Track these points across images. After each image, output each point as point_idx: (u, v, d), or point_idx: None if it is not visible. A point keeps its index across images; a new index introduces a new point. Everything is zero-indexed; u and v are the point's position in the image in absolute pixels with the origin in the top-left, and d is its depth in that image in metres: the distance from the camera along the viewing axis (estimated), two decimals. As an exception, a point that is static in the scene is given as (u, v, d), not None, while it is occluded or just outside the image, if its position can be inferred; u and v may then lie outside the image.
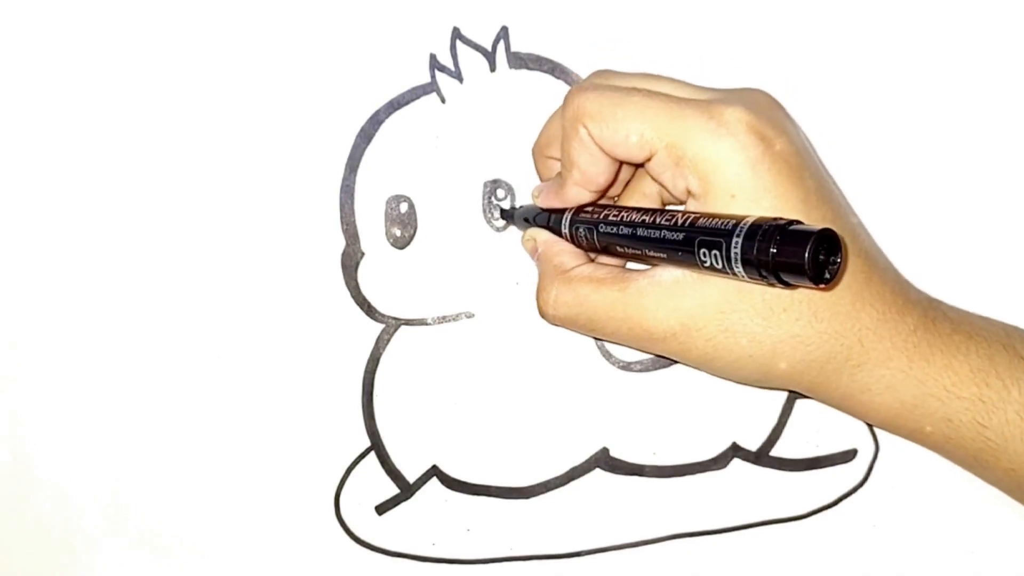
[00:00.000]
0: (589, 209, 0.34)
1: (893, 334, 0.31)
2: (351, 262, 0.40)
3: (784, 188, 0.29)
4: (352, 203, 0.39)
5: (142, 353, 0.40)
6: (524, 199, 0.39)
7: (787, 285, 0.27)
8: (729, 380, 0.33)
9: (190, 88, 0.39)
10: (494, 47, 0.39)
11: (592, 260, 0.35)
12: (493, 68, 0.39)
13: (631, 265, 0.36)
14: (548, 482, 0.40)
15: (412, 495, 0.41)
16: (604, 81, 0.33)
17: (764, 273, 0.27)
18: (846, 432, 0.39)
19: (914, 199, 0.39)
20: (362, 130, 0.39)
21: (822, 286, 0.26)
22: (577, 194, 0.34)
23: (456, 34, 0.39)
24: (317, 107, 0.39)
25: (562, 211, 0.35)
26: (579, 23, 0.39)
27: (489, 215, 0.40)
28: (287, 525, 0.41)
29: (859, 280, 0.31)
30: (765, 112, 0.30)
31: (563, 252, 0.35)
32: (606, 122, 0.31)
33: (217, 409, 0.40)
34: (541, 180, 0.38)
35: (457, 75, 0.39)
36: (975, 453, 0.32)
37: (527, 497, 0.40)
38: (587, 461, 0.40)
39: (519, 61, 0.39)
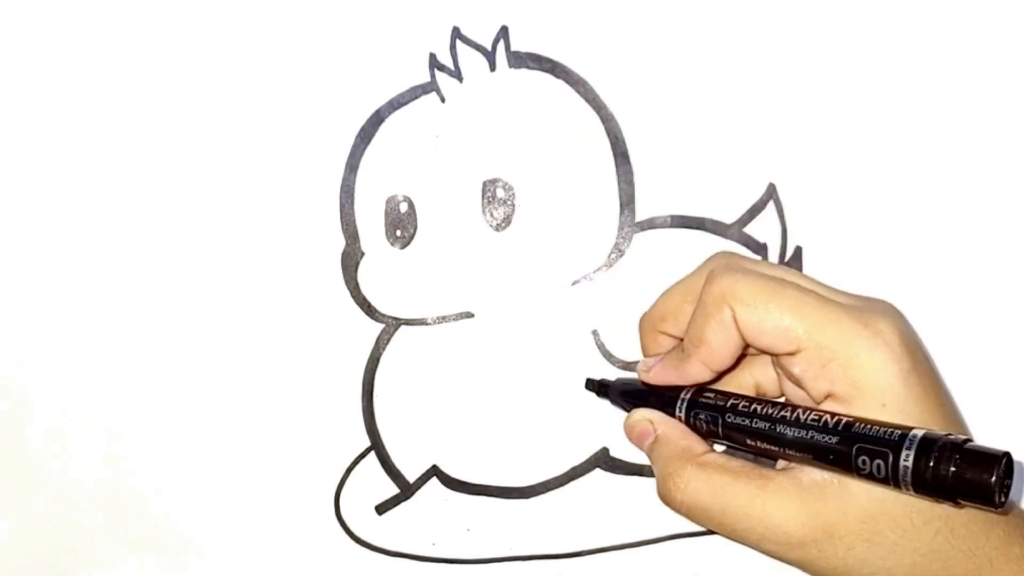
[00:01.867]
0: (711, 395, 0.33)
1: (1012, 558, 0.30)
2: (351, 262, 0.40)
3: (931, 402, 0.30)
4: (352, 203, 0.39)
5: (142, 353, 0.40)
6: (524, 199, 0.39)
7: (958, 505, 0.26)
8: None
9: (190, 88, 0.39)
10: (494, 46, 0.39)
11: (712, 448, 0.34)
12: (493, 67, 0.39)
13: None
14: (548, 482, 0.40)
15: (412, 495, 0.41)
16: (750, 267, 0.32)
17: (936, 492, 0.26)
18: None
19: (914, 199, 0.39)
20: (362, 130, 0.39)
21: (999, 511, 0.26)
22: (699, 372, 0.33)
23: (456, 33, 0.39)
24: (317, 107, 0.39)
25: (675, 393, 0.34)
26: (579, 23, 0.39)
27: (489, 217, 0.40)
28: (287, 525, 0.41)
29: None
30: (907, 327, 0.31)
31: (689, 436, 0.34)
32: (758, 309, 0.30)
33: (217, 409, 0.40)
34: (645, 355, 0.37)
35: (457, 74, 0.39)
36: None
37: (527, 497, 0.40)
38: (587, 461, 0.40)
39: (519, 60, 0.39)
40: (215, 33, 0.39)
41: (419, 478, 0.40)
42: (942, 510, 0.29)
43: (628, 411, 0.36)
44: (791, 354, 0.31)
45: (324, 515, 0.40)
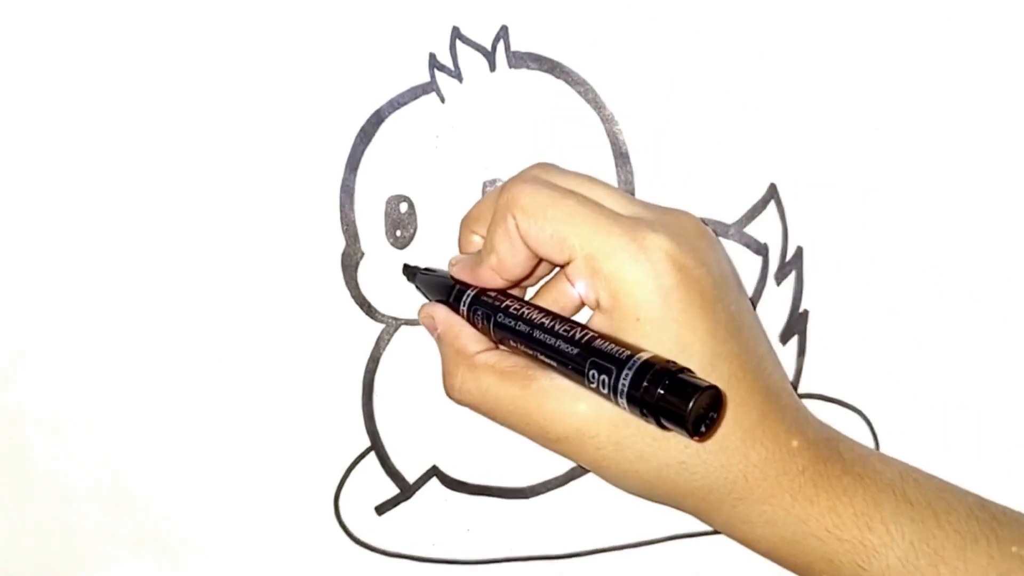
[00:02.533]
0: (492, 294, 0.34)
1: (779, 473, 0.31)
2: (351, 262, 0.40)
3: (692, 319, 0.30)
4: (352, 203, 0.39)
5: (142, 353, 0.40)
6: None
7: (663, 428, 0.28)
8: (617, 488, 0.33)
9: (190, 88, 0.39)
10: (494, 46, 0.39)
11: (496, 345, 0.35)
12: (493, 67, 0.39)
13: None
14: (548, 482, 0.40)
15: (412, 495, 0.41)
16: (545, 176, 0.34)
17: (645, 412, 0.27)
18: (846, 432, 0.39)
19: (914, 199, 0.39)
20: (362, 130, 0.39)
21: (696, 438, 0.27)
22: (490, 278, 0.34)
23: (456, 33, 0.39)
24: (317, 107, 0.39)
25: (466, 288, 0.35)
26: (579, 23, 0.39)
27: None
28: (287, 525, 0.41)
29: (753, 417, 0.31)
30: (689, 240, 0.31)
31: (464, 334, 0.35)
32: (535, 218, 0.31)
33: (217, 409, 0.40)
34: (460, 251, 0.38)
35: (457, 74, 0.39)
36: None
37: (527, 497, 0.40)
38: (587, 461, 0.40)
39: (519, 60, 0.39)
40: (215, 33, 0.39)
41: (419, 478, 0.40)
42: None
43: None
44: (566, 264, 0.32)
45: (324, 515, 0.40)
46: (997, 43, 0.39)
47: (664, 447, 0.31)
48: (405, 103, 0.39)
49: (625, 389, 0.28)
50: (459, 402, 0.34)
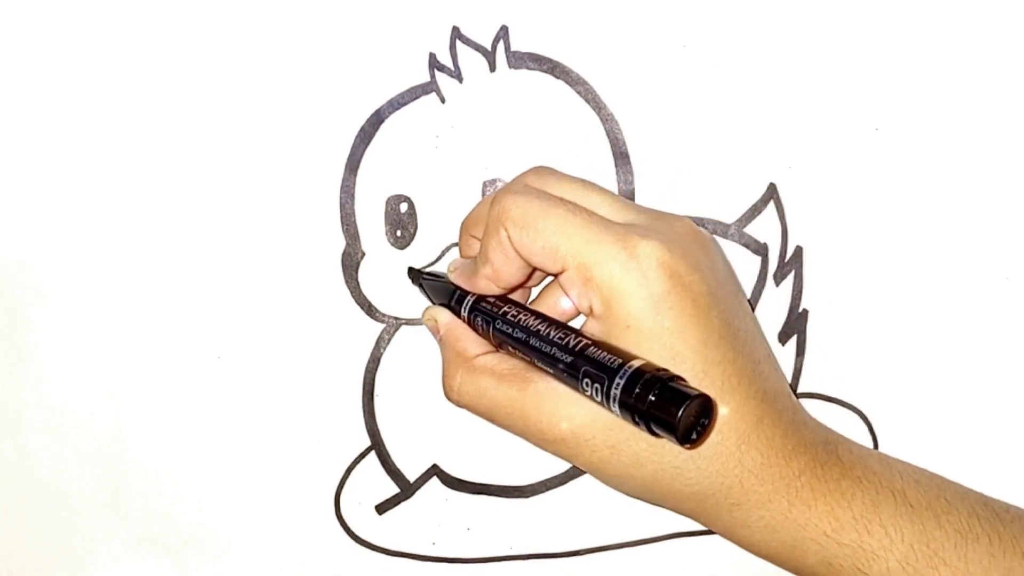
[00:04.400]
0: (491, 300, 0.35)
1: (776, 478, 0.31)
2: (351, 262, 0.40)
3: (684, 327, 0.30)
4: (352, 203, 0.39)
5: (143, 352, 0.40)
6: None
7: (655, 435, 0.28)
8: (614, 491, 0.34)
9: (190, 88, 0.39)
10: (494, 47, 0.39)
11: (496, 348, 0.35)
12: (493, 68, 0.39)
13: None
14: (548, 481, 0.40)
15: (412, 494, 0.41)
16: (537, 184, 0.34)
17: (637, 420, 0.28)
18: (846, 432, 0.39)
19: (915, 199, 0.39)
20: (362, 130, 0.39)
21: (687, 446, 0.28)
22: (486, 286, 0.34)
23: (456, 33, 0.39)
24: (317, 107, 0.39)
25: (467, 293, 0.36)
26: (579, 23, 0.39)
27: None
28: (287, 524, 0.41)
29: (748, 422, 0.31)
30: (682, 246, 0.31)
31: (465, 337, 0.35)
32: (526, 230, 0.32)
33: (218, 409, 0.40)
34: (461, 255, 0.38)
35: (457, 75, 0.39)
36: None
37: (527, 496, 0.40)
38: (587, 460, 0.40)
39: (519, 60, 0.39)
40: (215, 33, 0.39)
41: (419, 477, 0.41)
42: None
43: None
44: (559, 273, 0.32)
45: (324, 515, 0.41)
46: (997, 43, 0.39)
47: (659, 452, 0.31)
48: (405, 103, 0.39)
49: (617, 396, 0.28)
50: (457, 403, 0.35)
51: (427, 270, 0.39)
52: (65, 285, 0.40)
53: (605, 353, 0.29)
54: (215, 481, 0.41)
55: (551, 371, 0.32)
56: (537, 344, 0.32)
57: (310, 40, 0.39)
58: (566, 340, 0.31)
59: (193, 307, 0.40)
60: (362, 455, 0.40)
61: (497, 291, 0.35)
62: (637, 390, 0.28)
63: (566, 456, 0.33)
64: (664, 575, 0.40)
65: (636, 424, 0.28)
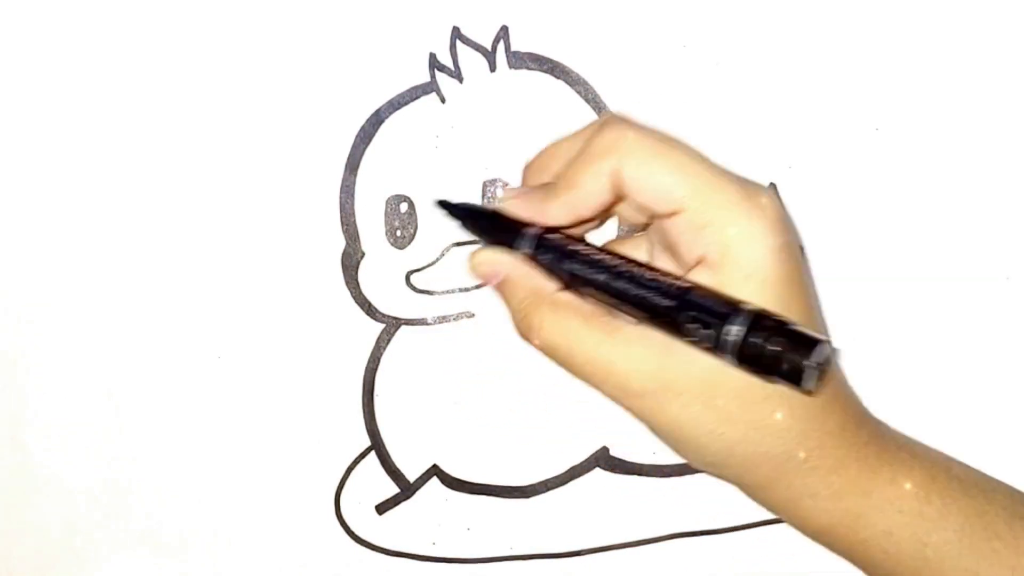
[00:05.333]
0: (558, 236, 0.31)
1: (849, 443, 0.31)
2: (351, 262, 0.40)
3: (795, 283, 0.29)
4: (352, 203, 0.39)
5: (143, 353, 0.40)
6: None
7: (771, 380, 0.27)
8: (683, 456, 0.32)
9: (190, 88, 0.39)
10: (494, 47, 0.39)
11: (564, 287, 0.32)
12: (493, 68, 0.39)
13: None
14: (548, 481, 0.40)
15: (412, 494, 0.41)
16: (643, 125, 0.31)
17: (755, 366, 0.26)
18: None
19: (915, 199, 0.39)
20: (362, 130, 0.39)
21: (807, 391, 0.26)
22: (560, 213, 0.31)
23: (456, 34, 0.39)
24: (317, 107, 0.39)
25: (522, 229, 0.32)
26: (579, 23, 0.39)
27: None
28: (287, 524, 0.41)
29: (831, 387, 0.31)
30: (786, 211, 0.31)
31: (538, 275, 0.32)
32: (644, 164, 0.29)
33: (218, 409, 0.40)
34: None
35: (457, 75, 0.39)
36: (912, 571, 0.32)
37: (527, 496, 0.40)
38: (587, 460, 0.40)
39: (519, 61, 0.39)
40: (215, 34, 0.39)
41: (419, 477, 0.41)
42: (783, 389, 0.29)
43: (478, 240, 0.34)
44: (669, 215, 0.30)
45: (324, 515, 0.41)
46: (997, 43, 0.39)
47: (753, 410, 0.29)
48: (405, 103, 0.39)
49: (737, 341, 0.26)
50: (540, 346, 0.31)
51: (459, 203, 0.35)
52: (65, 285, 0.40)
53: (714, 299, 0.27)
54: (215, 481, 0.41)
55: (640, 316, 0.29)
56: (625, 287, 0.29)
57: (310, 40, 0.39)
58: (665, 282, 0.29)
59: (193, 307, 0.40)
60: (362, 455, 0.40)
61: (567, 221, 0.31)
62: (760, 336, 0.26)
63: (645, 412, 0.30)
64: (664, 575, 0.40)
65: (752, 369, 0.26)
